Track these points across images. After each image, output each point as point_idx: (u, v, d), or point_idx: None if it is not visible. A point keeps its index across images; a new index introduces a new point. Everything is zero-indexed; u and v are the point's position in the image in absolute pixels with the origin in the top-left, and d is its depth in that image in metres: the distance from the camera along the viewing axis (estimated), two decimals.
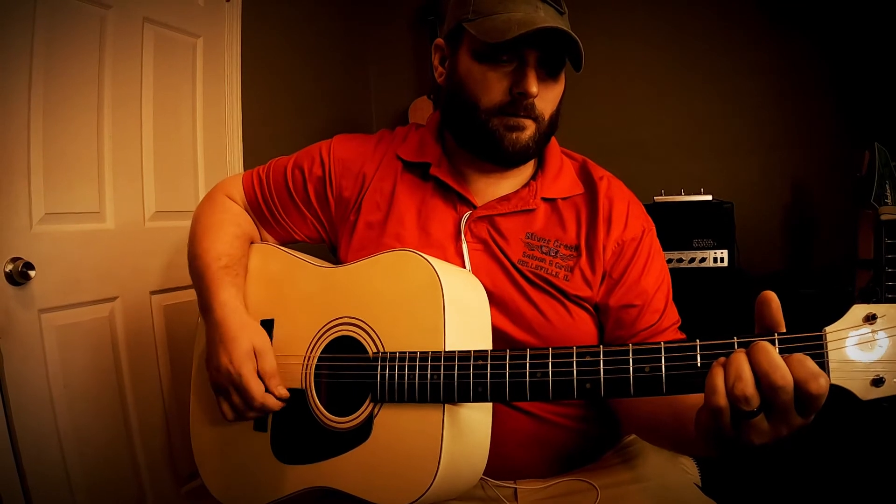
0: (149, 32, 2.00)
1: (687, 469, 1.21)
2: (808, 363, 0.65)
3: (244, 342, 1.01)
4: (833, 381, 0.66)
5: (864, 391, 0.66)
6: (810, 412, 0.67)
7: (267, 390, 1.00)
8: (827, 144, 2.90)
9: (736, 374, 0.67)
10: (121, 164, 1.90)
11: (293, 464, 1.01)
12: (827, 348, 0.67)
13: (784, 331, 0.71)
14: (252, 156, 2.40)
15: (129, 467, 1.94)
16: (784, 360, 0.66)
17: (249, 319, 1.06)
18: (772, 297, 0.72)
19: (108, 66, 1.86)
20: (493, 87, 1.01)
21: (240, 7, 2.37)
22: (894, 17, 2.59)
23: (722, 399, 0.68)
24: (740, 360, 0.68)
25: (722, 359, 0.70)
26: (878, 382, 0.66)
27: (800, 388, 0.65)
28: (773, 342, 0.69)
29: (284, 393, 1.01)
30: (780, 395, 0.65)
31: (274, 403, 1.00)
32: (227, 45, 2.31)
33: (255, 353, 1.01)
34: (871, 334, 0.66)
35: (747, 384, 0.66)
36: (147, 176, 2.00)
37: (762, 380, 0.66)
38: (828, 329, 0.68)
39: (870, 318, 0.67)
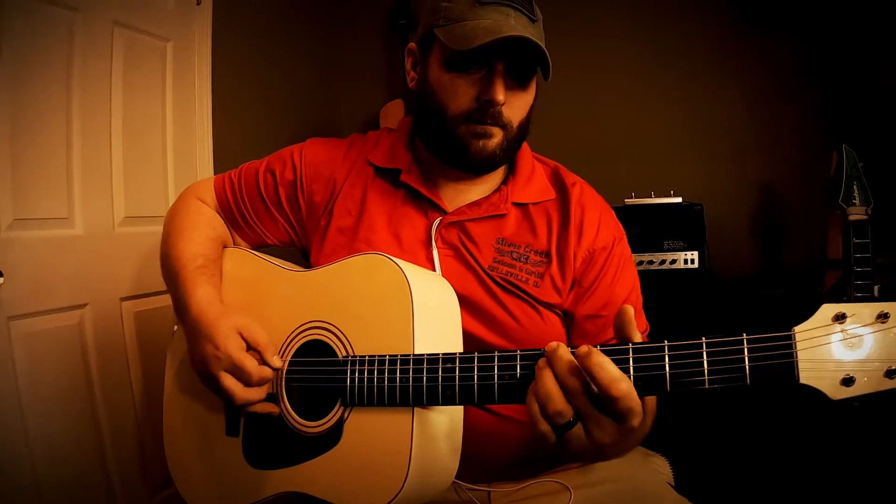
0: (118, 36, 1.98)
1: (660, 468, 1.22)
2: (608, 367, 0.69)
3: (224, 325, 0.96)
4: (803, 381, 0.67)
5: (834, 391, 0.67)
6: (619, 416, 0.70)
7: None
8: (795, 146, 2.95)
9: (545, 395, 0.71)
10: (90, 169, 1.87)
11: (265, 469, 1.00)
12: (796, 348, 0.67)
13: (641, 341, 0.73)
14: (222, 161, 2.38)
15: (101, 476, 1.91)
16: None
17: (228, 308, 1.02)
18: (626, 309, 0.75)
19: (76, 70, 1.83)
20: (460, 95, 1.02)
21: (210, 11, 2.35)
22: (861, 21, 2.63)
23: (543, 425, 0.73)
24: (545, 379, 0.72)
25: (533, 384, 0.74)
26: (848, 382, 0.66)
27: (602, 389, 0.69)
28: (741, 342, 0.69)
29: (279, 363, 0.97)
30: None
31: (270, 374, 0.96)
32: (197, 49, 2.29)
33: (238, 332, 0.96)
34: (840, 334, 0.67)
35: (557, 401, 0.71)
36: (116, 181, 1.97)
37: (601, 391, 0.69)
38: (797, 329, 0.68)
39: (839, 318, 0.67)
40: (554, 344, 0.74)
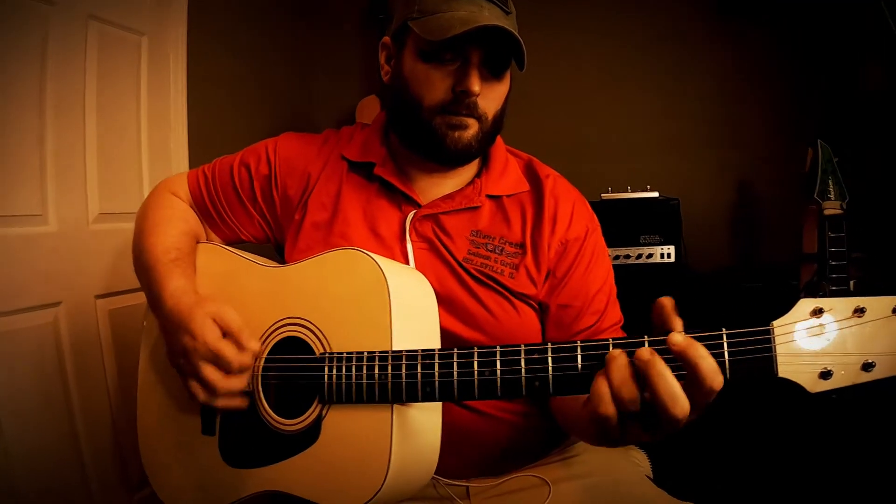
0: (93, 30, 1.94)
1: (638, 462, 1.22)
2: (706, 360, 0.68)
3: (199, 314, 0.93)
4: (781, 375, 0.68)
5: (812, 384, 0.68)
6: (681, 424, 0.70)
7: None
8: (771, 142, 2.97)
9: (620, 379, 0.70)
10: (64, 165, 1.84)
11: (243, 468, 0.99)
12: (775, 342, 0.68)
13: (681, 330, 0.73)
14: (197, 156, 2.35)
15: (78, 477, 1.88)
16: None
17: (201, 296, 0.99)
18: (666, 301, 0.74)
19: (50, 63, 1.80)
20: (436, 86, 1.02)
21: (185, 5, 2.31)
22: (836, 16, 2.66)
23: (609, 407, 0.71)
24: (621, 364, 0.70)
25: (602, 371, 0.72)
26: (825, 375, 0.67)
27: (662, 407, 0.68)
28: (720, 336, 0.70)
29: (257, 346, 0.95)
30: (672, 415, 0.69)
31: (250, 361, 0.94)
32: (172, 43, 2.26)
33: (214, 319, 0.94)
34: (818, 328, 0.68)
35: (631, 388, 0.70)
36: (90, 177, 1.94)
37: (658, 406, 0.69)
38: (775, 323, 0.69)
39: (817, 312, 0.68)
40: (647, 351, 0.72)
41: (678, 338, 0.69)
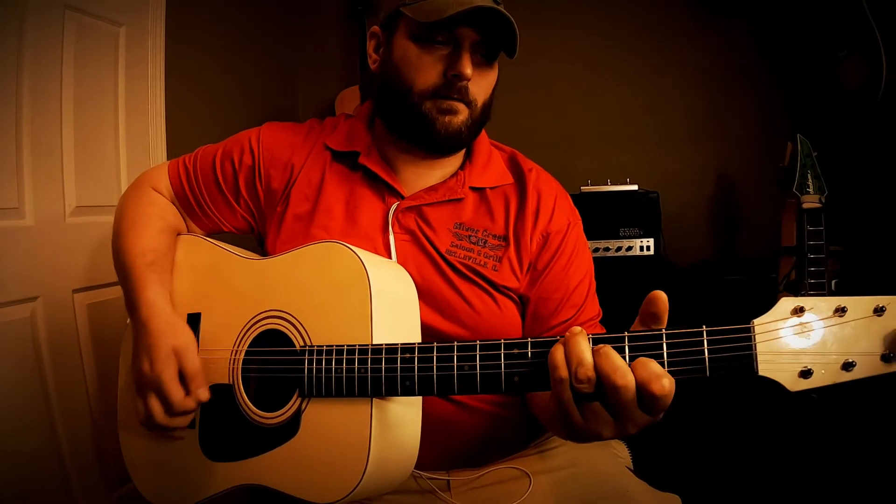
0: (70, 20, 1.91)
1: (618, 453, 1.23)
2: (651, 365, 0.68)
3: (164, 346, 0.97)
4: (761, 373, 0.68)
5: (792, 383, 0.68)
6: (655, 411, 0.69)
7: (188, 394, 0.97)
8: (751, 136, 3.00)
9: (578, 360, 0.70)
10: (40, 157, 1.81)
11: (222, 461, 0.99)
12: (755, 341, 0.68)
13: (664, 326, 0.73)
14: (176, 148, 2.31)
15: (58, 474, 1.86)
16: (631, 363, 0.69)
17: (174, 319, 1.02)
18: (660, 294, 0.74)
19: (27, 54, 1.76)
20: (427, 70, 1.02)
21: None
22: (816, 12, 2.68)
23: (564, 371, 0.71)
24: (583, 346, 0.70)
25: (561, 339, 0.73)
26: (806, 374, 0.67)
27: (643, 388, 0.67)
28: (700, 334, 0.70)
29: (204, 396, 0.97)
30: (621, 394, 0.68)
31: (193, 408, 0.97)
32: (150, 34, 2.23)
33: (175, 355, 0.97)
34: (799, 326, 0.68)
35: (588, 368, 0.69)
36: (68, 170, 1.91)
37: (604, 380, 0.68)
38: (756, 321, 0.69)
39: (798, 311, 0.68)
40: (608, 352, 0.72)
41: (575, 329, 0.72)
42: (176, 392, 0.95)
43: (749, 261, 2.85)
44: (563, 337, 0.73)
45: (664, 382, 0.67)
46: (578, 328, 0.72)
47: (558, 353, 0.72)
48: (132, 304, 1.04)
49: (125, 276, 1.08)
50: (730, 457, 2.23)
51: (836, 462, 2.02)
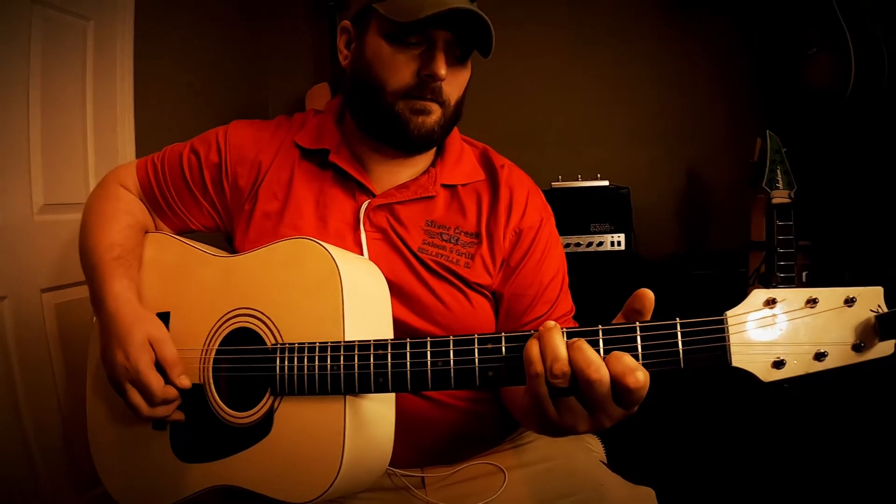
0: (37, 14, 1.87)
1: (592, 447, 1.23)
2: (625, 359, 0.68)
3: (138, 334, 0.96)
4: (735, 364, 0.69)
5: (765, 373, 0.69)
6: (630, 404, 0.70)
7: (168, 382, 0.96)
8: (721, 132, 3.03)
9: (553, 354, 0.70)
10: (6, 154, 1.78)
11: (195, 462, 0.97)
12: (728, 332, 0.69)
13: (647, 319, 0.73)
14: (145, 145, 2.29)
15: (27, 478, 1.83)
16: (606, 356, 0.69)
17: (144, 311, 1.01)
18: (646, 292, 0.74)
19: None
20: (400, 69, 1.00)
21: None
22: (786, 10, 2.71)
23: (539, 366, 0.71)
24: (557, 341, 0.71)
25: (536, 334, 0.73)
26: (779, 365, 0.68)
27: (617, 382, 0.68)
28: (674, 326, 0.70)
29: (186, 383, 0.96)
30: (596, 388, 0.68)
31: (175, 394, 0.96)
32: (119, 28, 2.19)
33: (151, 344, 0.96)
34: (771, 318, 0.69)
35: (563, 363, 0.69)
36: (35, 167, 1.88)
37: (579, 374, 0.69)
38: (728, 313, 0.70)
39: (770, 302, 0.69)
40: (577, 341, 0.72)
41: (549, 323, 0.72)
42: (155, 380, 0.94)
43: (719, 255, 2.88)
44: (536, 331, 0.73)
45: (638, 375, 0.67)
46: (552, 323, 0.72)
47: (533, 348, 0.72)
48: (98, 298, 1.02)
49: (92, 270, 1.06)
50: (703, 449, 2.25)
51: (809, 452, 2.05)
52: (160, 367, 0.96)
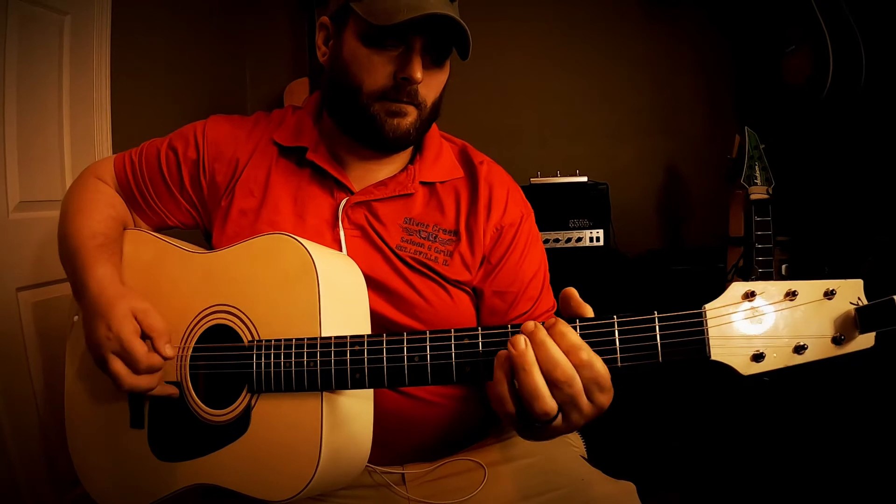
0: (13, 8, 1.85)
1: (572, 443, 1.24)
2: (569, 336, 0.70)
3: (121, 307, 0.93)
4: (714, 358, 0.69)
5: (744, 367, 0.69)
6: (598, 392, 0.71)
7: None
8: (699, 128, 3.05)
9: (533, 393, 0.70)
10: None
11: (173, 461, 0.96)
12: (707, 325, 0.69)
13: (591, 315, 0.74)
14: (122, 141, 2.27)
15: (5, 479, 1.81)
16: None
17: (127, 290, 0.98)
18: (571, 291, 0.75)
19: None
20: (377, 71, 1.00)
21: None
22: (764, 6, 2.73)
23: (510, 405, 0.72)
24: (534, 374, 0.70)
25: (502, 354, 0.73)
26: (758, 358, 0.68)
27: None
28: (652, 320, 0.71)
29: (171, 353, 0.94)
30: (564, 388, 0.69)
31: (159, 362, 0.93)
32: (96, 23, 2.17)
33: (134, 314, 0.93)
34: (750, 311, 0.69)
35: (547, 400, 0.70)
36: (10, 163, 1.85)
37: (547, 377, 0.69)
38: (707, 307, 0.70)
39: (749, 295, 0.69)
40: (531, 325, 0.72)
41: (529, 325, 0.71)
42: (138, 346, 0.91)
43: (697, 251, 2.91)
44: (512, 326, 0.73)
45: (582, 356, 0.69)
46: (524, 340, 0.72)
47: (502, 385, 0.73)
48: (81, 283, 0.99)
49: (73, 258, 1.03)
50: (683, 443, 2.27)
51: (790, 444, 2.07)
52: (146, 339, 0.94)
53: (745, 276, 2.21)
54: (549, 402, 0.69)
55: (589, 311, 0.75)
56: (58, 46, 2.05)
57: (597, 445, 1.29)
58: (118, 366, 0.91)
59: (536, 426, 0.73)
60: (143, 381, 0.92)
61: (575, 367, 0.69)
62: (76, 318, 1.06)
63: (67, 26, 2.08)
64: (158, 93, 2.63)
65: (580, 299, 0.75)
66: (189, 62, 2.89)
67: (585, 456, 1.21)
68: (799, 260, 2.42)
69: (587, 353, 0.69)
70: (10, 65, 1.86)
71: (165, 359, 0.94)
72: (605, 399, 0.72)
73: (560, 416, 0.71)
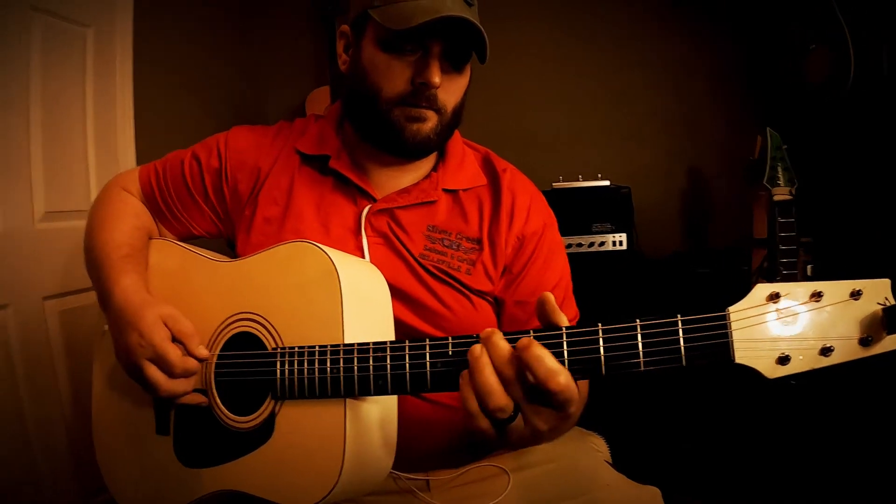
0: (36, 21, 1.88)
1: (597, 447, 1.23)
2: (545, 360, 0.68)
3: (150, 314, 0.93)
4: (738, 361, 0.67)
5: (770, 370, 0.67)
6: (560, 407, 0.70)
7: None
8: (720, 129, 3.02)
9: (485, 389, 0.70)
10: (7, 162, 1.78)
11: (198, 467, 0.97)
12: (731, 328, 0.68)
13: (568, 324, 0.73)
14: (145, 151, 2.30)
15: (32, 486, 1.83)
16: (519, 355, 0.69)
17: (154, 298, 0.99)
18: (547, 296, 0.75)
19: None
20: (395, 77, 1.00)
21: None
22: (784, 6, 2.71)
23: (483, 421, 0.72)
24: (484, 371, 0.71)
25: (465, 374, 0.73)
26: (783, 360, 0.67)
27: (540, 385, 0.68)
28: (675, 324, 0.69)
29: (205, 353, 0.94)
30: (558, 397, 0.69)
31: (195, 365, 0.94)
32: (118, 35, 2.20)
33: (164, 321, 0.94)
34: (775, 312, 0.67)
35: (499, 397, 0.70)
36: (36, 174, 1.88)
37: (538, 380, 0.68)
38: (731, 309, 0.68)
39: (773, 297, 0.67)
40: (489, 330, 0.73)
41: (523, 340, 0.71)
42: (172, 351, 0.91)
43: (721, 253, 2.87)
44: (534, 331, 0.73)
45: (560, 380, 0.68)
46: (479, 347, 0.72)
47: (471, 401, 0.72)
48: (107, 294, 1.00)
49: (99, 268, 1.04)
50: (708, 447, 2.25)
51: (815, 448, 2.04)
52: (176, 343, 0.94)
53: (770, 278, 2.19)
54: (503, 399, 0.70)
55: (563, 320, 0.75)
56: (81, 59, 2.08)
57: (622, 450, 1.28)
58: (154, 372, 0.91)
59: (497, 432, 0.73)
60: (179, 386, 0.93)
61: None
62: (106, 327, 1.07)
63: (90, 39, 2.11)
64: (180, 103, 2.66)
65: (555, 305, 0.75)
66: (210, 73, 2.91)
67: (610, 461, 1.20)
68: (823, 261, 2.40)
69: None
70: (34, 78, 1.89)
71: (200, 361, 0.95)
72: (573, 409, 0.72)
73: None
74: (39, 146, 1.90)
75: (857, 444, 2.01)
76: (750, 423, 2.19)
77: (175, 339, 0.94)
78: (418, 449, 1.05)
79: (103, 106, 2.16)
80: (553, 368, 0.67)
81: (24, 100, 1.86)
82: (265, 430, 0.90)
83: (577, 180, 2.71)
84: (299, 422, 0.88)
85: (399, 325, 0.99)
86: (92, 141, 2.11)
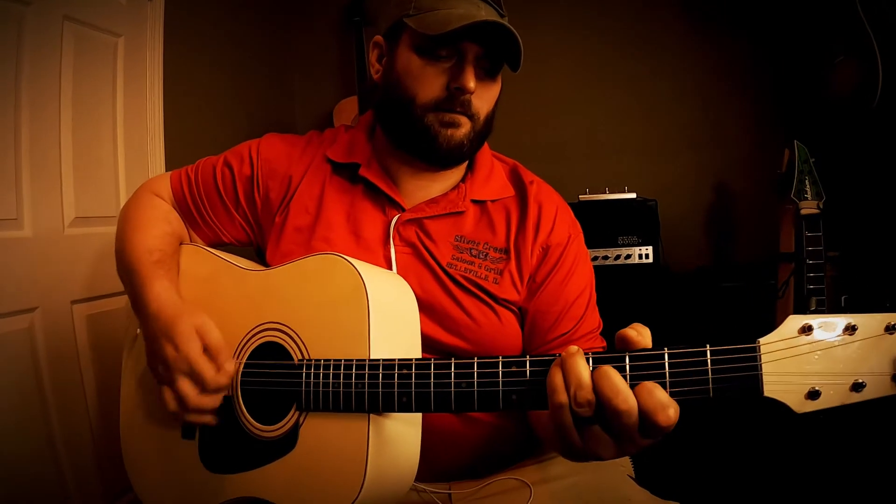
0: (69, 31, 1.92)
1: (620, 462, 1.22)
2: (657, 393, 0.66)
3: (185, 325, 0.94)
4: (767, 394, 0.66)
5: (798, 404, 0.66)
6: (658, 435, 0.68)
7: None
8: (747, 142, 3.00)
9: (577, 382, 0.69)
10: (39, 168, 1.82)
11: (222, 473, 0.98)
12: (761, 360, 0.66)
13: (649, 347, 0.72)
14: (175, 159, 2.33)
15: (57, 487, 1.85)
16: (635, 386, 0.67)
17: (186, 305, 1.00)
18: (628, 333, 0.74)
19: (25, 65, 1.77)
20: (430, 82, 1.01)
21: (162, 6, 2.29)
22: (811, 18, 2.69)
23: (562, 395, 0.70)
24: (581, 367, 0.69)
25: (559, 360, 0.72)
26: (813, 395, 0.65)
27: (647, 417, 0.66)
28: (704, 353, 0.68)
29: (231, 368, 0.95)
30: (623, 419, 0.67)
31: (227, 383, 0.95)
32: (148, 44, 2.24)
33: (198, 332, 0.94)
34: (807, 346, 0.65)
35: (588, 391, 0.68)
36: (66, 181, 1.91)
37: (605, 404, 0.67)
38: (762, 341, 0.67)
39: (806, 330, 0.65)
40: (572, 348, 0.72)
41: (571, 348, 0.71)
42: (208, 367, 0.92)
43: (747, 267, 2.85)
44: (559, 356, 0.72)
45: (670, 413, 0.65)
46: (575, 348, 0.71)
47: (556, 376, 0.71)
48: (140, 300, 1.01)
49: (131, 274, 1.05)
50: (732, 465, 2.22)
51: (839, 477, 2.01)
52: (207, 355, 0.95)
53: (798, 293, 2.16)
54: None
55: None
56: (111, 67, 2.12)
57: (645, 465, 1.27)
58: (186, 386, 0.92)
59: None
60: (208, 401, 0.94)
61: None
62: (139, 331, 1.08)
63: (121, 48, 2.14)
64: (209, 112, 2.69)
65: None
66: (239, 82, 2.95)
67: (633, 475, 1.19)
68: (849, 276, 2.37)
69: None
70: (65, 86, 1.92)
71: (230, 376, 0.95)
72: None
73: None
74: (70, 152, 1.93)
75: (884, 470, 1.97)
76: (774, 439, 2.17)
77: (205, 350, 0.94)
78: (439, 460, 1.05)
79: (133, 113, 2.19)
80: (664, 401, 0.67)
81: (56, 107, 1.89)
82: (289, 440, 0.91)
83: (604, 192, 2.70)
84: (323, 434, 0.88)
85: (422, 336, 0.99)
86: (122, 148, 2.15)
